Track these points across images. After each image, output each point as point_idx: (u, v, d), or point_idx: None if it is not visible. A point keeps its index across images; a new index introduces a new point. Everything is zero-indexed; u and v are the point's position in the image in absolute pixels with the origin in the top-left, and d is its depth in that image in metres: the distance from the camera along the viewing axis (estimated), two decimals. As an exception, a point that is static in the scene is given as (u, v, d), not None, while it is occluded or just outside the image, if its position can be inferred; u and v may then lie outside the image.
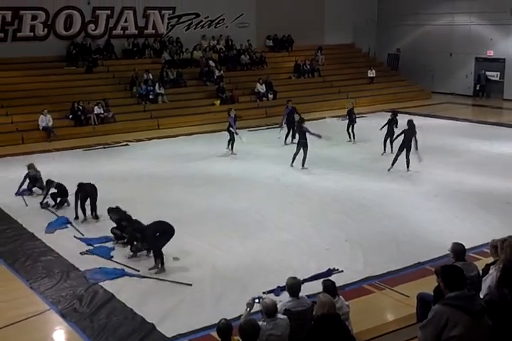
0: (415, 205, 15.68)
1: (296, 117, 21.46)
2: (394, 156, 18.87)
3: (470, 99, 35.56)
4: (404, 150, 18.60)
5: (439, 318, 5.69)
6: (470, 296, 5.83)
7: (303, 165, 19.34)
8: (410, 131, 18.76)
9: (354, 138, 23.15)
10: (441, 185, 17.48)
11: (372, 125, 22.36)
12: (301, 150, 19.29)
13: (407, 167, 18.81)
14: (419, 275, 11.17)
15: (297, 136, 20.14)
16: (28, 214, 15.35)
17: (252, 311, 7.49)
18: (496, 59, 35.02)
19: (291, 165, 19.48)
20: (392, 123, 19.33)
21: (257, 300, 7.43)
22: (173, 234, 11.73)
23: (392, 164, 18.82)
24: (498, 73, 35.19)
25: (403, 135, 18.85)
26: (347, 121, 23.47)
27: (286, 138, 23.01)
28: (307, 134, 19.17)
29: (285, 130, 23.29)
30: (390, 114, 20.47)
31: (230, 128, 21.55)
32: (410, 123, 19.09)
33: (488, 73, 35.26)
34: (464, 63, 36.38)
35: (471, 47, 35.67)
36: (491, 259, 8.28)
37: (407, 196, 16.53)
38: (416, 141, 18.66)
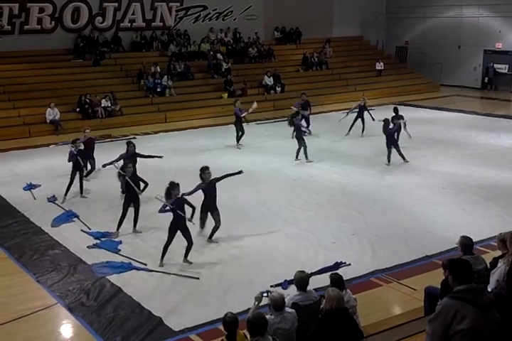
0: (423, 198, 15.61)
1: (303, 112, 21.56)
2: (387, 154, 18.92)
3: (478, 91, 35.42)
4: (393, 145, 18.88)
5: (447, 311, 5.66)
6: (478, 289, 5.79)
7: (306, 158, 19.34)
8: (396, 126, 19.03)
9: (363, 131, 23.08)
10: (449, 177, 17.43)
11: (380, 118, 22.23)
12: (297, 143, 19.37)
13: (404, 159, 18.97)
14: (426, 269, 11.13)
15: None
16: (35, 207, 15.34)
17: (260, 305, 7.48)
18: (504, 51, 34.79)
19: (296, 159, 19.50)
20: (393, 118, 19.33)
21: (265, 294, 7.42)
22: None
23: (388, 160, 18.91)
24: (507, 66, 35.01)
25: (388, 131, 19.01)
26: (355, 114, 23.44)
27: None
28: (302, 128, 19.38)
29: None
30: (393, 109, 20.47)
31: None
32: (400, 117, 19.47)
33: (496, 66, 35.11)
34: (473, 56, 36.20)
35: (480, 40, 35.47)
36: (498, 253, 8.24)
37: (414, 189, 16.47)
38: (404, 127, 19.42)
